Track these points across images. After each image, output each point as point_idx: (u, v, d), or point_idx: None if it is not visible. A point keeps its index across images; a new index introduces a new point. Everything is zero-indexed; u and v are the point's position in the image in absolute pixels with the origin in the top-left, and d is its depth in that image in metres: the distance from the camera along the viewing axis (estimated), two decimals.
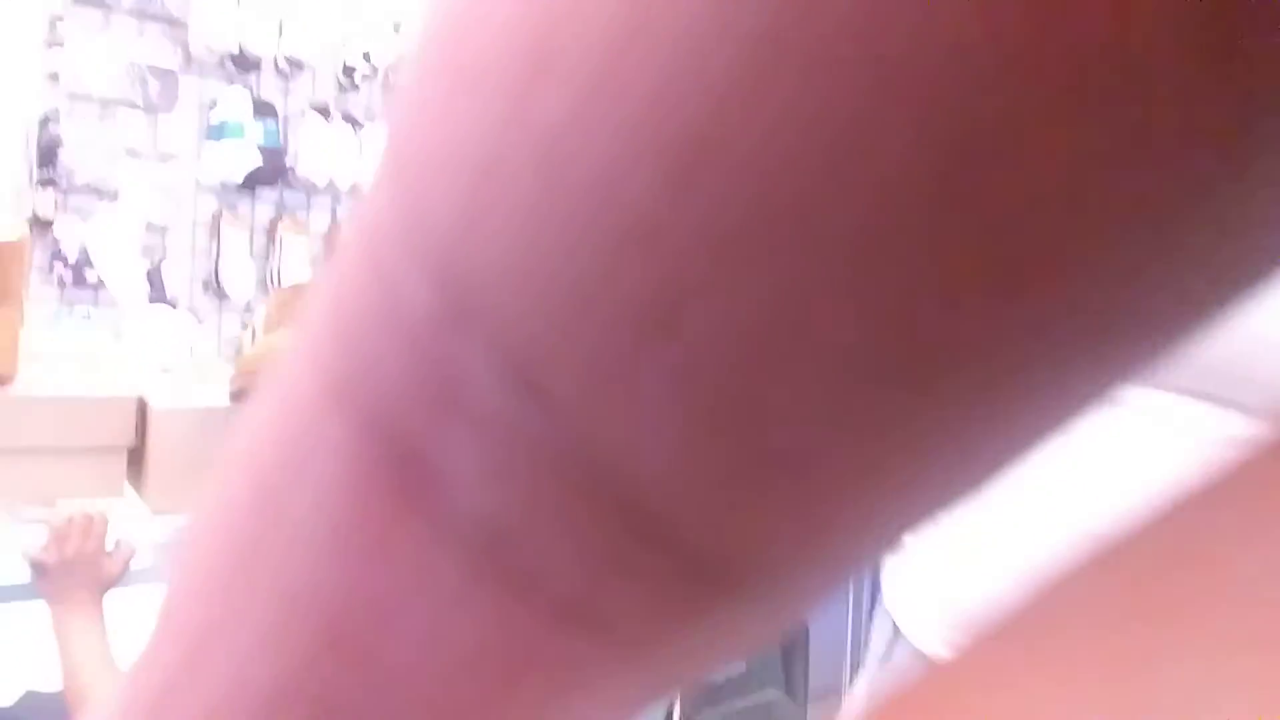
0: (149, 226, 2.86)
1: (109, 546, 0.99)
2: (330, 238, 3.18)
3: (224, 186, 2.95)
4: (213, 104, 2.94)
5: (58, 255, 2.67)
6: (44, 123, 2.65)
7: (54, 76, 2.66)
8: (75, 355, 1.25)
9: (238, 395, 1.13)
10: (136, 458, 1.16)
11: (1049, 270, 0.10)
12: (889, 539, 0.14)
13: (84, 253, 2.71)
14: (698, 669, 0.16)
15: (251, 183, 2.95)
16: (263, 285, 3.02)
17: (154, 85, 2.82)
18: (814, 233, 0.10)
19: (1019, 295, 0.10)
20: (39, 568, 0.94)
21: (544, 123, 0.10)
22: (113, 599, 0.97)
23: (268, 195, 3.07)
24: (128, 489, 1.16)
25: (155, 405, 1.14)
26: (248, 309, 2.97)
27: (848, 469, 0.12)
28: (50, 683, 1.01)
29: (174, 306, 2.87)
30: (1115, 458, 0.52)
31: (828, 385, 0.11)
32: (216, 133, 2.92)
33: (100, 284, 2.77)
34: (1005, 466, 0.13)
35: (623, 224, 0.10)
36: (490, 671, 0.14)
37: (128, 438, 1.13)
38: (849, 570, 0.15)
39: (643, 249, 0.10)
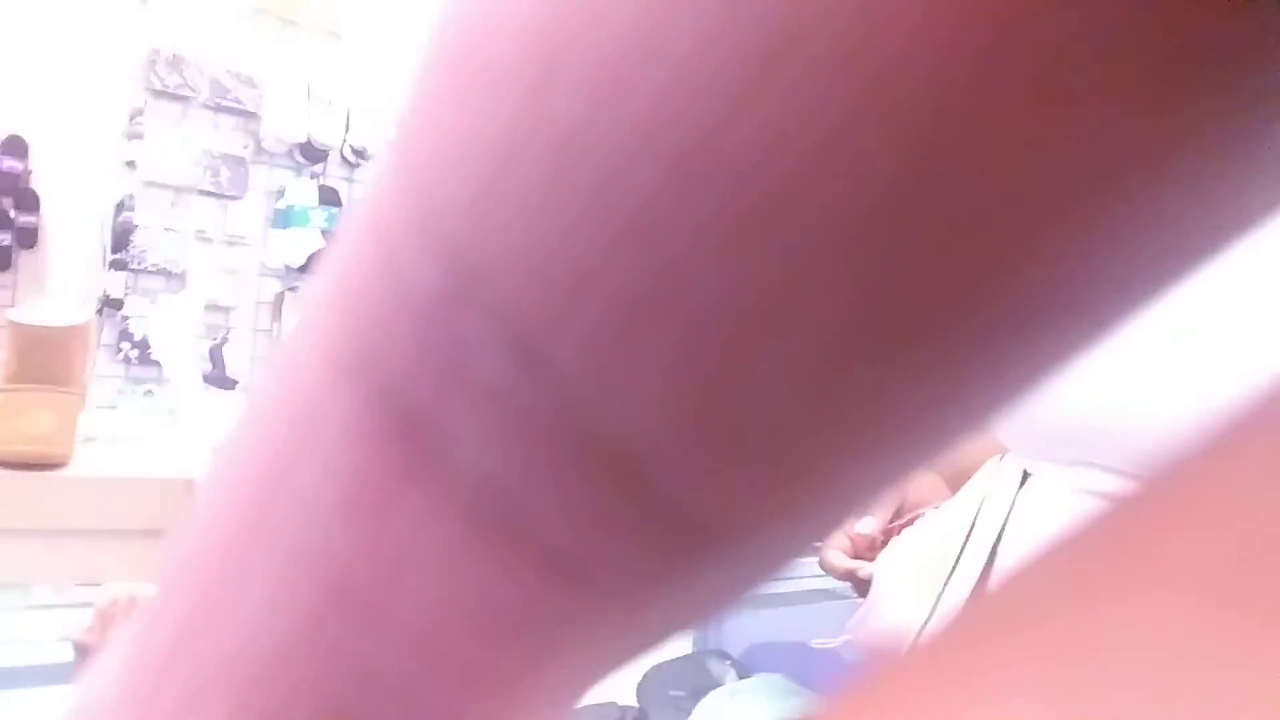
0: (213, 307, 2.93)
1: None
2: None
3: (287, 270, 3.03)
4: (281, 192, 3.04)
5: (125, 335, 2.75)
6: (119, 208, 2.76)
7: (131, 164, 2.78)
8: (131, 436, 1.27)
9: None
10: None
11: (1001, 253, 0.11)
12: (860, 500, 0.16)
13: (150, 333, 2.79)
14: (678, 625, 0.17)
15: (313, 265, 3.02)
16: None
17: (225, 173, 2.92)
18: (801, 218, 0.11)
19: (978, 275, 0.11)
20: (83, 650, 0.93)
21: (557, 121, 0.11)
22: None
23: None
24: None
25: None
26: None
27: (824, 436, 0.13)
28: None
29: (234, 385, 2.92)
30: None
31: (808, 360, 0.12)
32: (283, 219, 3.02)
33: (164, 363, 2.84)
34: (962, 435, 0.14)
35: (629, 212, 0.11)
36: (489, 624, 0.14)
37: (175, 520, 1.13)
38: (821, 531, 0.16)
39: (647, 235, 0.11)
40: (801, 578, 1.52)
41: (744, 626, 1.82)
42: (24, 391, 1.10)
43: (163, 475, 1.13)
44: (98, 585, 1.09)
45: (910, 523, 0.83)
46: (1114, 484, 0.52)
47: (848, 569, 0.88)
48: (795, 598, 1.65)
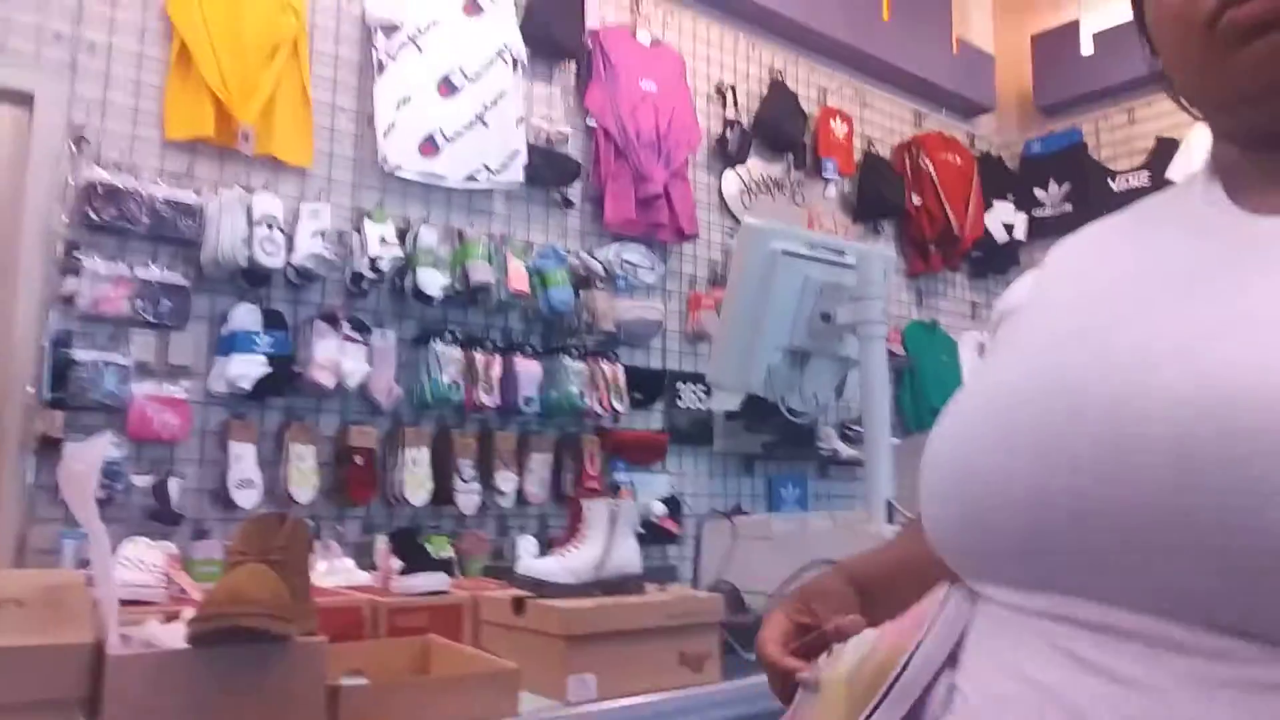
0: (155, 442, 2.86)
1: None
2: (338, 442, 3.17)
3: (232, 396, 2.97)
4: (223, 318, 3.01)
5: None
6: (55, 344, 2.70)
7: (69, 300, 2.73)
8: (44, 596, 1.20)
9: (195, 639, 1.06)
10: (92, 711, 1.08)
11: None
12: None
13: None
14: None
15: (260, 391, 2.97)
16: (269, 496, 2.99)
17: (165, 303, 2.88)
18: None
19: None
20: None
21: None
22: None
23: (276, 403, 3.09)
24: None
25: (112, 651, 1.07)
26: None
27: None
28: None
29: (178, 520, 2.82)
30: None
31: None
32: (226, 345, 2.97)
33: (110, 502, 2.74)
34: None
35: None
36: None
37: (81, 688, 1.06)
38: None
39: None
40: None
41: None
42: None
43: (69, 641, 1.06)
44: None
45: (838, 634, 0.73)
46: (1071, 607, 0.49)
47: (788, 668, 0.74)
48: None
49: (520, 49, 3.70)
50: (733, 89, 4.51)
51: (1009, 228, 5.31)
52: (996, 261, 5.40)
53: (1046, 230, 5.34)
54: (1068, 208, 5.33)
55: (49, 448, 2.65)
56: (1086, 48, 5.25)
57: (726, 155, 4.40)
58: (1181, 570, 0.44)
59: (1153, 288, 0.53)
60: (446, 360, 3.26)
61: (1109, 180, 5.20)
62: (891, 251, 2.08)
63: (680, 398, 4.09)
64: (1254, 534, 0.41)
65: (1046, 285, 0.64)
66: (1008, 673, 0.52)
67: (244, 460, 2.94)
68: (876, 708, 0.59)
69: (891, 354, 4.30)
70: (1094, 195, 5.19)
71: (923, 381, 4.81)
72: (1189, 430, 0.43)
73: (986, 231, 5.25)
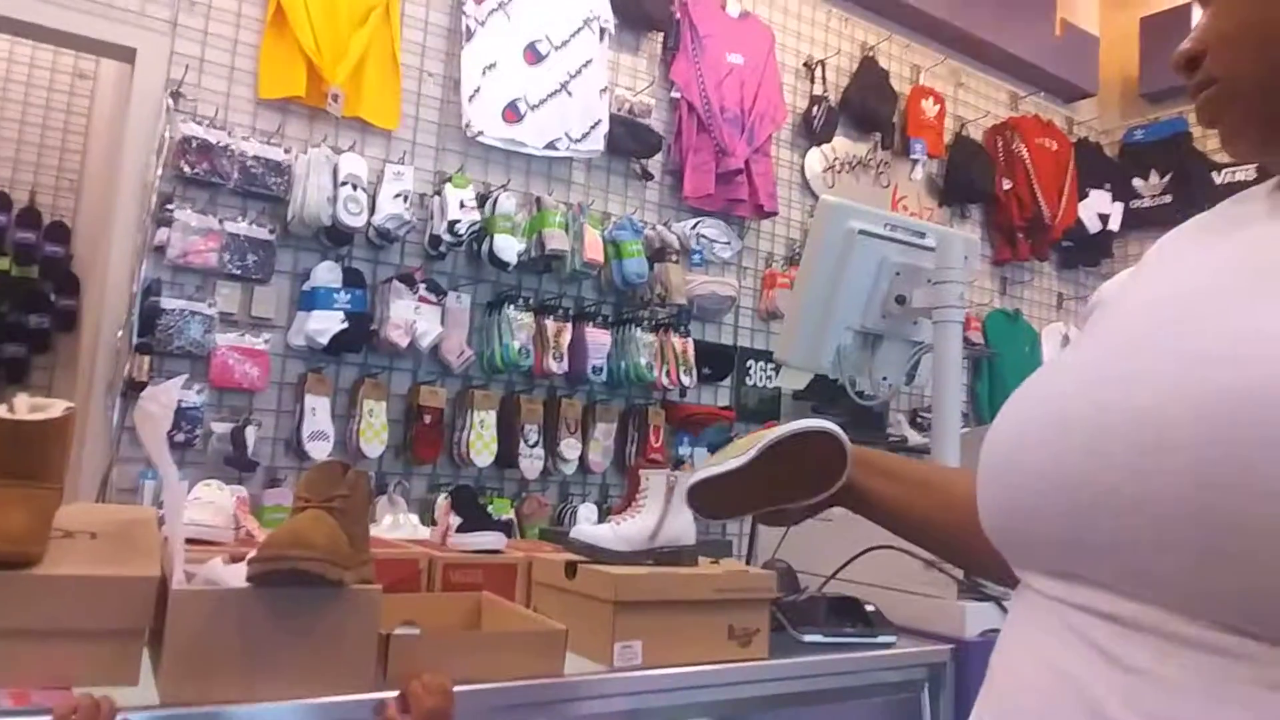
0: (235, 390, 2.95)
1: None
2: (410, 400, 3.24)
3: (311, 351, 3.05)
4: (306, 274, 3.08)
5: None
6: (147, 292, 2.80)
7: (160, 249, 2.83)
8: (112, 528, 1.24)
9: (254, 578, 1.09)
10: (155, 641, 1.12)
11: None
12: None
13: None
14: None
15: (336, 347, 3.04)
16: (340, 448, 3.07)
17: (251, 257, 2.97)
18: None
19: None
20: None
21: None
22: None
23: (352, 359, 3.17)
24: (146, 674, 1.12)
25: (176, 586, 1.11)
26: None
27: None
28: None
29: (254, 467, 2.92)
30: None
31: None
32: (307, 300, 3.05)
33: (189, 446, 2.85)
34: None
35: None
36: None
37: (144, 620, 1.10)
38: None
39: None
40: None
41: None
42: None
43: (136, 573, 1.10)
44: (65, 689, 1.06)
45: None
46: (1094, 599, 0.51)
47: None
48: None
49: (608, 18, 3.68)
50: (821, 64, 4.43)
51: (1104, 218, 5.12)
52: (1087, 252, 5.21)
53: (1143, 222, 5.14)
54: (1167, 199, 5.11)
55: (135, 391, 2.76)
56: None
57: (812, 132, 4.33)
58: (1195, 568, 0.46)
59: (1207, 296, 0.55)
60: (518, 326, 3.29)
61: (1212, 173, 4.96)
62: (974, 235, 2.03)
63: (750, 375, 4.06)
64: (1265, 537, 0.43)
65: (1132, 284, 0.64)
66: (1033, 657, 0.55)
67: (318, 413, 3.02)
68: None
69: (970, 342, 4.20)
70: (1195, 188, 4.96)
71: (1002, 372, 4.69)
72: (1211, 436, 0.45)
73: (1079, 221, 5.07)
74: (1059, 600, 0.54)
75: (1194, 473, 0.45)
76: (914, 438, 4.22)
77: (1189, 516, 0.45)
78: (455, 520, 1.63)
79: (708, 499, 1.00)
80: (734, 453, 0.99)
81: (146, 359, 2.78)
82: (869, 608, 1.60)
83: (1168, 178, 5.13)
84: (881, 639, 1.55)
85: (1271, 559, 0.43)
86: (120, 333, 2.84)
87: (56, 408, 1.17)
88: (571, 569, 1.41)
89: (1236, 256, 0.56)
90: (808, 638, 1.53)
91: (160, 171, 2.89)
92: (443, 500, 1.72)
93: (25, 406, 1.17)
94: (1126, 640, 0.49)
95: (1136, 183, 5.24)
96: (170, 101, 2.95)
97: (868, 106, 4.44)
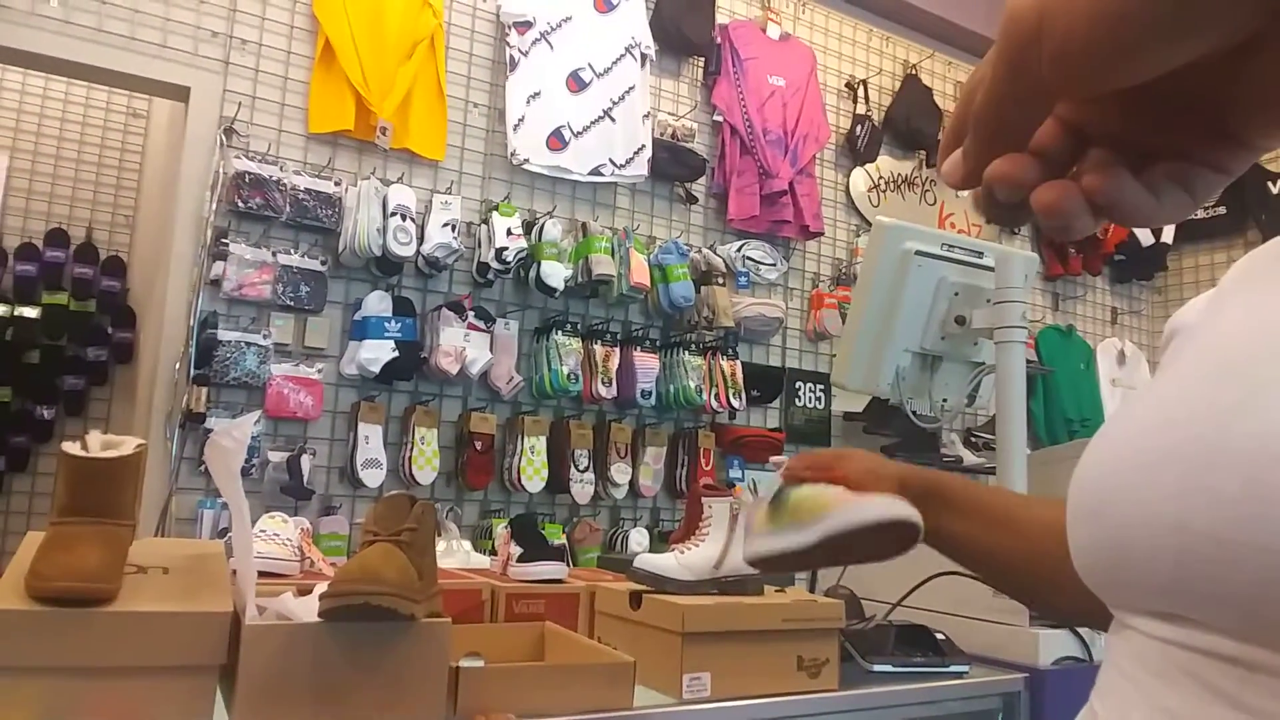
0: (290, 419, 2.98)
1: None
2: (460, 427, 3.25)
3: (363, 380, 3.08)
4: (357, 304, 3.12)
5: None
6: (203, 325, 2.85)
7: (215, 282, 2.88)
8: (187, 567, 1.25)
9: (327, 614, 1.09)
10: (228, 677, 1.12)
11: None
12: None
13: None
14: None
15: (388, 375, 3.06)
16: (392, 476, 3.09)
17: (304, 288, 3.00)
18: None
19: None
20: None
21: None
22: None
23: (403, 387, 3.19)
24: (219, 709, 1.12)
25: (249, 622, 1.11)
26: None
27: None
28: None
29: (310, 495, 2.94)
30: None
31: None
32: (358, 330, 3.08)
33: (246, 475, 2.88)
34: None
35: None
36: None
37: (218, 656, 1.11)
38: None
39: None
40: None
41: None
42: (73, 525, 1.10)
43: (210, 609, 1.10)
44: None
45: None
46: (1212, 642, 0.48)
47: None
48: None
49: (649, 44, 3.70)
50: (864, 84, 4.41)
51: (1156, 231, 5.03)
52: (1141, 266, 5.12)
53: (1197, 234, 5.04)
54: (1221, 211, 5.01)
55: (193, 421, 2.80)
56: None
57: (855, 152, 4.31)
58: None
59: None
60: (566, 351, 3.30)
61: (1269, 183, 4.86)
62: (1033, 254, 1.99)
63: (798, 396, 4.03)
64: None
65: (1216, 308, 0.61)
66: (1141, 699, 0.52)
67: (371, 441, 3.05)
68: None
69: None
70: (1250, 198, 4.86)
71: (1057, 390, 4.61)
72: None
73: (1131, 234, 4.98)
74: (1168, 642, 0.51)
75: None
76: (969, 457, 4.15)
77: None
78: (516, 550, 1.63)
79: (767, 563, 0.91)
80: (795, 516, 0.90)
81: (204, 390, 2.82)
82: (939, 636, 1.57)
83: (1222, 190, 5.02)
84: (953, 668, 1.52)
85: None
86: (178, 364, 2.88)
87: (128, 445, 1.19)
88: (636, 599, 1.40)
89: None
90: (877, 668, 1.49)
91: (214, 206, 2.94)
92: (502, 529, 1.72)
93: (98, 444, 1.19)
94: (1245, 682, 0.46)
95: None
96: (223, 138, 3.01)
97: (912, 124, 4.42)
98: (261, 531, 1.54)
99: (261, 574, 1.39)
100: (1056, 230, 0.36)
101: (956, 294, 1.86)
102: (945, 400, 1.94)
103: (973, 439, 4.22)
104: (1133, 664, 0.55)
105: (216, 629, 1.08)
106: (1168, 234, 5.05)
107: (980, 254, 1.89)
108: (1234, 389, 0.49)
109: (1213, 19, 0.30)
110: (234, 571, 1.24)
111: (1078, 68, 0.33)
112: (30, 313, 4.13)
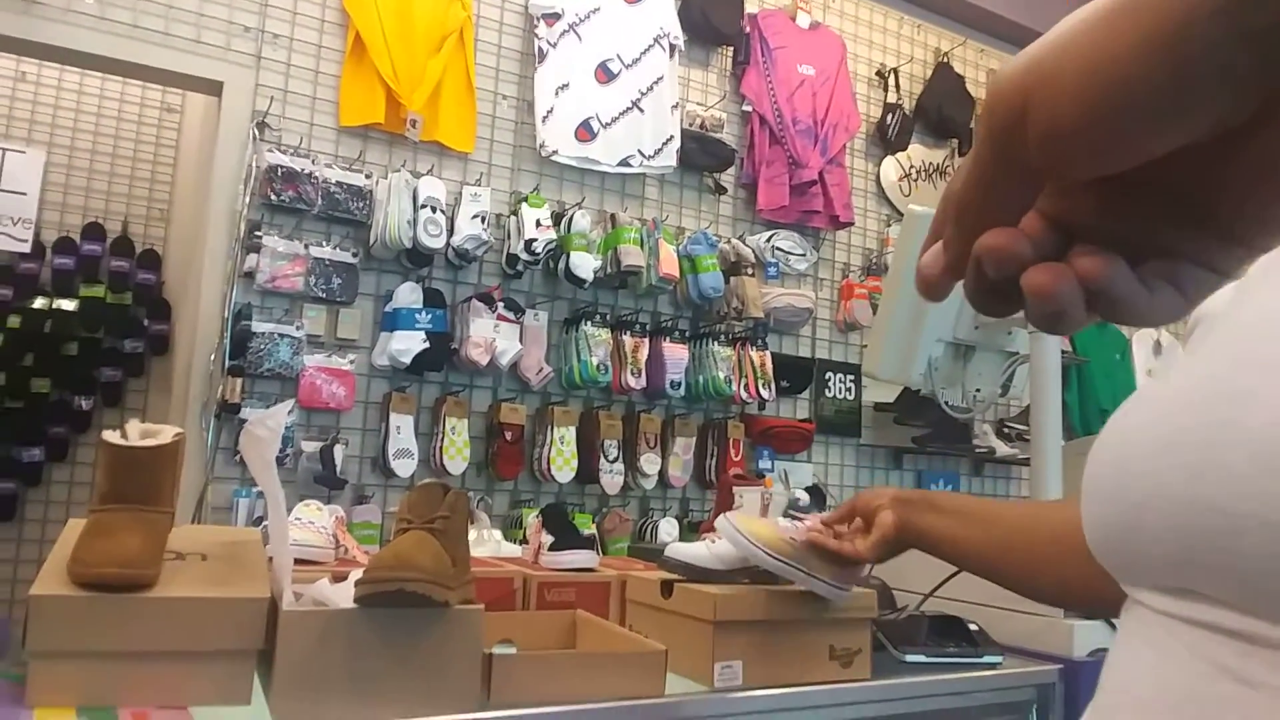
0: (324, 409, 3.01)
1: None
2: (490, 417, 3.27)
3: (394, 371, 3.10)
4: (388, 295, 3.14)
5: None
6: (237, 316, 2.88)
7: (249, 274, 2.91)
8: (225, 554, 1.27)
9: (362, 600, 1.11)
10: (265, 661, 1.14)
11: None
12: None
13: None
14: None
15: (419, 366, 3.08)
16: (424, 466, 3.11)
17: (336, 280, 3.03)
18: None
19: None
20: None
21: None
22: None
23: (434, 378, 3.21)
24: (257, 694, 1.14)
25: (286, 607, 1.13)
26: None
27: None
28: None
29: (343, 485, 2.97)
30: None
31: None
32: (389, 321, 3.10)
33: (280, 464, 2.91)
34: None
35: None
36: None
37: (256, 641, 1.12)
38: None
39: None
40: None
41: None
42: (113, 513, 1.12)
43: (248, 595, 1.12)
44: (181, 708, 1.08)
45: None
46: (1217, 616, 0.49)
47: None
48: None
49: (678, 34, 3.69)
50: (895, 72, 4.37)
51: None
52: None
53: None
54: None
55: (228, 412, 2.84)
56: None
57: (886, 141, 4.27)
58: None
59: None
60: (596, 342, 3.30)
61: None
62: None
63: (829, 387, 4.01)
64: None
65: (1240, 298, 0.62)
66: (1149, 674, 0.53)
67: (403, 431, 3.07)
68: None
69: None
70: None
71: (1092, 381, 4.55)
72: None
73: None
74: (1174, 617, 0.52)
75: None
76: (1001, 448, 4.12)
77: None
78: (547, 539, 1.63)
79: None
80: (751, 527, 1.25)
81: (238, 381, 2.85)
82: (972, 627, 1.56)
83: None
84: (987, 659, 1.51)
85: None
86: (212, 356, 2.92)
87: (167, 433, 1.21)
88: (668, 588, 1.40)
89: None
90: (910, 658, 1.49)
91: (248, 199, 2.97)
92: (533, 519, 1.73)
93: (137, 433, 1.21)
94: (1251, 657, 0.46)
95: None
96: (256, 132, 3.03)
97: (944, 113, 4.37)
98: (297, 519, 1.56)
99: (297, 561, 1.41)
100: (1048, 319, 0.34)
101: None
102: (978, 391, 1.92)
103: (1005, 430, 4.18)
104: (1138, 639, 0.56)
105: (254, 614, 1.10)
106: None
107: None
108: (1251, 374, 0.50)
109: (1209, 100, 0.29)
110: (270, 558, 1.26)
111: (1067, 150, 0.31)
112: (68, 305, 4.19)
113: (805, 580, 1.28)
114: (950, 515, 1.02)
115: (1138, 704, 0.53)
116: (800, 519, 1.30)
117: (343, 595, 1.13)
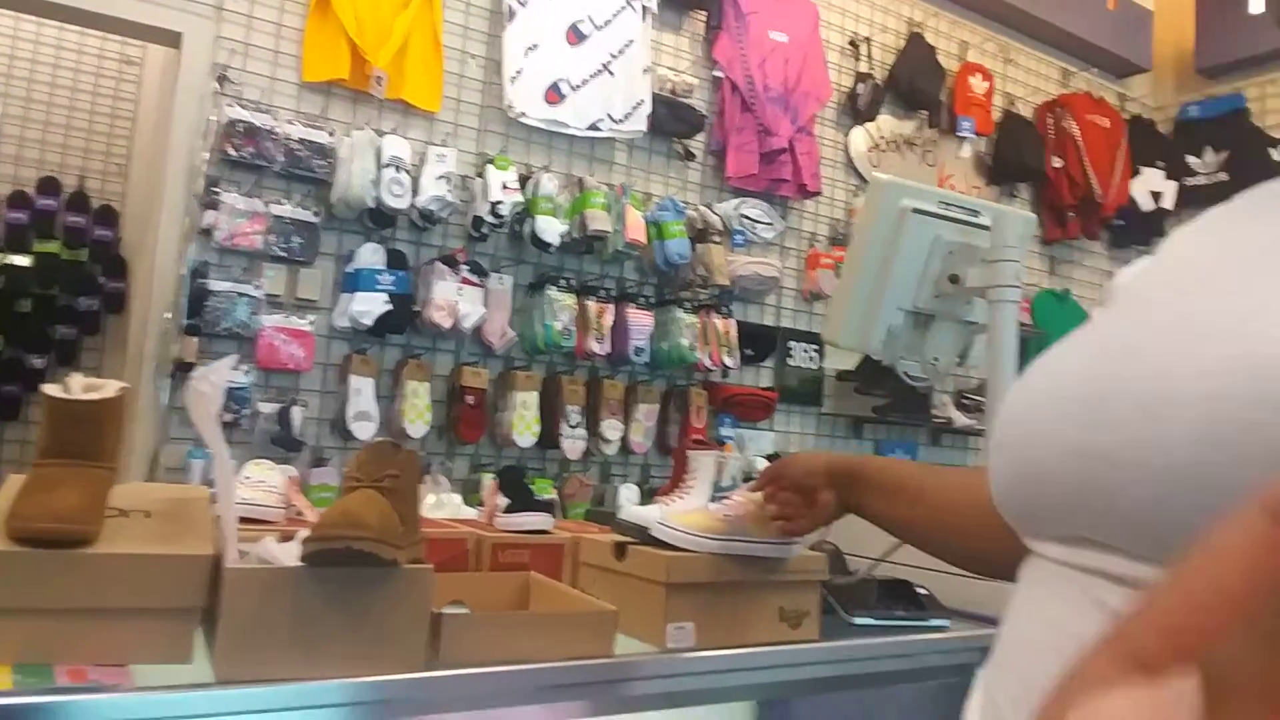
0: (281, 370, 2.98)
1: None
2: (452, 379, 3.24)
3: (355, 332, 3.07)
4: (349, 256, 3.09)
5: None
6: (194, 274, 2.83)
7: (207, 232, 2.85)
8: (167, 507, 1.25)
9: (308, 558, 1.09)
10: (208, 620, 1.13)
11: None
12: None
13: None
14: None
15: (380, 328, 3.05)
16: (384, 429, 3.09)
17: (296, 239, 2.98)
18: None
19: None
20: None
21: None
22: None
23: (395, 340, 3.18)
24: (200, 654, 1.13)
25: (230, 565, 1.11)
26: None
27: None
28: None
29: (300, 447, 2.95)
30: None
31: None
32: (351, 282, 3.06)
33: (236, 426, 2.88)
34: None
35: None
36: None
37: (198, 599, 1.11)
38: None
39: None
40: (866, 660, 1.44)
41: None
42: (54, 467, 1.10)
43: (191, 552, 1.10)
44: (121, 666, 1.07)
45: None
46: (1106, 562, 0.52)
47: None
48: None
49: None
50: (867, 41, 4.35)
51: (1156, 196, 4.99)
52: (1139, 231, 5.09)
53: (1198, 200, 5.00)
54: (1223, 177, 4.97)
55: (184, 372, 2.79)
56: (1256, 5, 4.83)
57: (856, 111, 4.26)
58: (1198, 529, 0.44)
59: (1225, 269, 0.55)
60: (560, 307, 3.28)
61: (1269, 149, 4.81)
62: (1031, 215, 1.97)
63: (791, 356, 4.02)
64: None
65: (1150, 269, 0.65)
66: (1042, 622, 0.55)
67: (363, 394, 3.04)
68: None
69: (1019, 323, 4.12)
70: (1253, 165, 4.82)
71: None
72: (1219, 396, 0.45)
73: (1131, 199, 4.95)
74: (1069, 565, 0.54)
75: (1194, 434, 0.45)
76: (959, 419, 4.16)
77: (1189, 477, 0.45)
78: (503, 501, 1.63)
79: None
80: (684, 520, 1.35)
81: (195, 340, 2.81)
82: (921, 591, 1.57)
83: (1224, 155, 4.99)
84: (934, 622, 1.53)
85: None
86: (168, 314, 2.87)
87: (110, 388, 1.18)
88: (621, 550, 1.40)
89: (1255, 236, 0.56)
90: (859, 620, 1.50)
91: (207, 155, 2.91)
92: (490, 481, 1.72)
93: (79, 386, 1.18)
94: (1134, 600, 0.49)
95: (1191, 160, 5.10)
96: (216, 86, 2.96)
97: (915, 84, 4.36)
98: (247, 478, 1.54)
99: (245, 520, 1.39)
100: None
101: (951, 252, 1.84)
102: (936, 359, 1.94)
103: (964, 401, 4.22)
104: (1033, 586, 0.58)
105: (197, 571, 1.08)
106: (1168, 199, 5.02)
107: (976, 213, 1.87)
108: (1142, 334, 0.54)
109: None
110: (217, 517, 1.24)
111: None
112: (22, 261, 4.10)
113: (748, 548, 1.31)
114: (880, 495, 1.07)
115: (1029, 645, 0.55)
116: (728, 498, 1.35)
117: (289, 554, 1.12)
